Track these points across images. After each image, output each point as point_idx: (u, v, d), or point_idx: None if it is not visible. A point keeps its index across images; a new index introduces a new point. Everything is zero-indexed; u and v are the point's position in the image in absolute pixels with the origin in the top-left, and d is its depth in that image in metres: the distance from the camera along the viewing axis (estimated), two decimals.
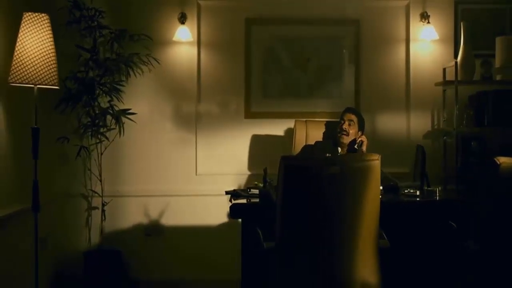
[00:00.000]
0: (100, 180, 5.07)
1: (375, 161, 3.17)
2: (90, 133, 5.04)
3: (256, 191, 4.04)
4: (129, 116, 5.10)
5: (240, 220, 4.36)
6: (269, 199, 3.77)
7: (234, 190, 4.18)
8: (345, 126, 4.58)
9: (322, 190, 3.15)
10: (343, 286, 3.19)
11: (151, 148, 5.30)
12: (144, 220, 5.30)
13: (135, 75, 5.10)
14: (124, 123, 5.06)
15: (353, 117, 4.61)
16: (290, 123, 5.28)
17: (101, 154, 5.07)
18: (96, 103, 4.98)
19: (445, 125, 5.26)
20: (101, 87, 4.98)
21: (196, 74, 5.32)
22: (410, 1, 5.35)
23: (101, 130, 5.02)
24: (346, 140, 4.57)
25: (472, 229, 3.66)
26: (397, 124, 5.41)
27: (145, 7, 5.28)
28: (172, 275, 5.28)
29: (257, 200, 3.90)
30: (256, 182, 4.18)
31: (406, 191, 4.03)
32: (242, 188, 5.16)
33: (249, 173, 5.35)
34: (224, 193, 4.21)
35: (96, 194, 5.12)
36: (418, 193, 3.99)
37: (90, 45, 5.02)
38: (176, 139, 5.33)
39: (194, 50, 5.31)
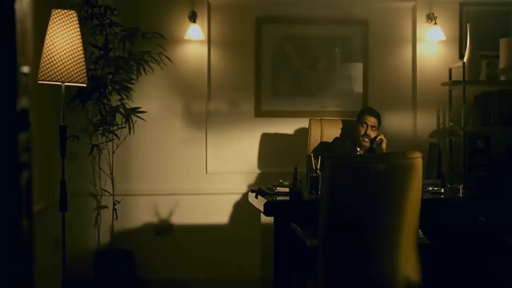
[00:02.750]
0: (112, 179, 5.03)
1: (418, 159, 3.24)
2: (101, 131, 4.99)
3: (282, 189, 4.07)
4: (139, 115, 5.07)
5: (256, 218, 4.41)
6: (300, 198, 3.81)
7: (259, 188, 4.19)
8: (369, 132, 4.61)
9: (367, 187, 3.21)
10: (387, 283, 3.25)
11: (161, 147, 5.28)
12: (154, 219, 5.27)
13: (146, 73, 5.08)
14: (136, 121, 5.02)
15: (374, 121, 4.64)
16: (300, 122, 5.33)
17: (113, 152, 5.03)
18: (107, 101, 4.94)
19: (451, 124, 5.37)
20: (113, 85, 4.94)
21: (207, 72, 5.31)
22: (416, 2, 5.44)
23: (112, 128, 4.98)
24: (368, 144, 4.63)
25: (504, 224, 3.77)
26: (404, 123, 5.50)
27: (156, 5, 5.25)
28: (181, 274, 5.27)
29: (283, 198, 3.94)
30: (281, 180, 4.20)
31: (430, 188, 4.12)
32: (252, 186, 5.20)
33: (259, 171, 5.37)
34: (251, 191, 4.24)
35: (106, 193, 5.08)
36: (442, 190, 4.08)
37: (101, 42, 4.98)
38: (186, 137, 5.32)
39: (204, 49, 5.30)
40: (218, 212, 5.31)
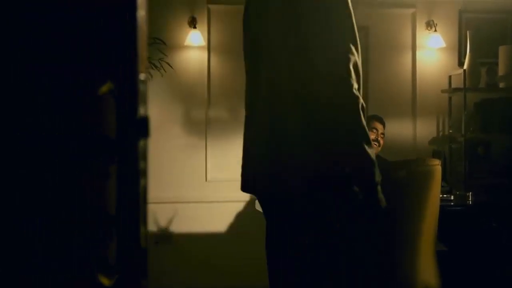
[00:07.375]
0: None
1: (437, 166, 3.24)
2: None
3: None
4: None
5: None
6: None
7: None
8: (379, 138, 4.58)
9: (388, 194, 3.18)
10: None
11: (160, 154, 5.21)
12: (153, 228, 5.19)
13: None
14: None
15: (381, 127, 4.64)
16: None
17: None
18: None
19: (451, 131, 5.39)
20: None
21: (206, 79, 5.27)
22: (416, 9, 5.45)
23: None
24: (379, 149, 4.60)
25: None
26: (404, 130, 5.50)
27: (156, 11, 5.18)
28: (181, 284, 5.19)
29: None
30: None
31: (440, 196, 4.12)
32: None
33: None
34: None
35: None
36: (452, 197, 4.09)
37: None
38: (186, 144, 5.25)
39: (204, 55, 5.25)
40: (219, 220, 5.25)
